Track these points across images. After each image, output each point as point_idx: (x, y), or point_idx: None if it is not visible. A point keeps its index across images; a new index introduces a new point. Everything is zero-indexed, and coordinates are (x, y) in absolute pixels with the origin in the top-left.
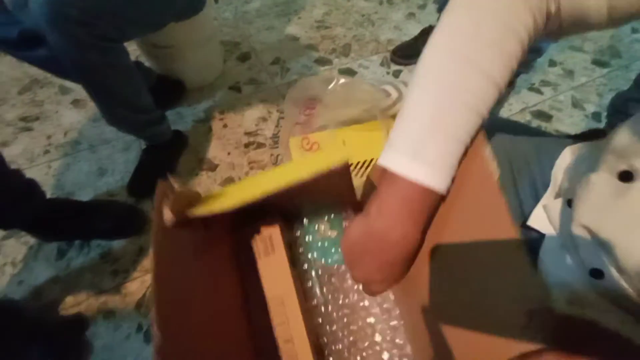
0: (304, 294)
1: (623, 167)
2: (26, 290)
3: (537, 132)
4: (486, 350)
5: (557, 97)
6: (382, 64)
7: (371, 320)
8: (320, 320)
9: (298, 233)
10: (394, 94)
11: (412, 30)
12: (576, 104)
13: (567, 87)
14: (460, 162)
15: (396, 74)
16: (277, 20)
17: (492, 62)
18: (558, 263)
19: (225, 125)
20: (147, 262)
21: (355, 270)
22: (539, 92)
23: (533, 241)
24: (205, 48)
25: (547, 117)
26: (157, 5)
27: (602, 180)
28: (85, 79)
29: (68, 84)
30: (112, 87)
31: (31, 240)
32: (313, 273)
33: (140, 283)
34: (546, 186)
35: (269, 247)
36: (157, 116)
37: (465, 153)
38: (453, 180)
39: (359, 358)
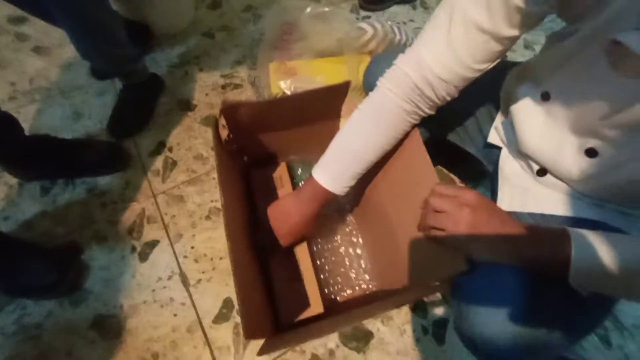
0: None
1: (544, 88)
2: (15, 224)
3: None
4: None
5: None
6: (351, 11)
7: (342, 248)
8: (317, 248)
9: (294, 179)
10: (370, 31)
11: None
12: (527, 46)
13: None
14: (355, 179)
15: None
16: None
17: (366, 148)
18: (513, 168)
19: (201, 69)
20: (135, 194)
21: (276, 226)
22: None
23: (494, 154)
24: None
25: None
26: None
27: (527, 106)
28: (60, 5)
29: (25, 29)
30: (88, 14)
31: (11, 180)
32: None
33: (130, 212)
34: (498, 108)
35: (279, 183)
36: (134, 53)
37: (357, 175)
38: (350, 188)
39: (339, 279)
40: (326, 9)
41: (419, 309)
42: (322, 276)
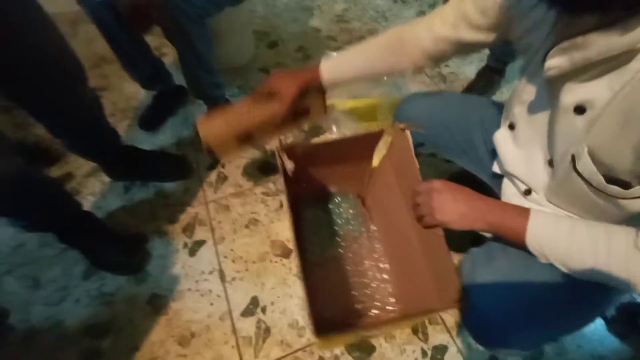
0: None
1: (510, 120)
2: (103, 213)
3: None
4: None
5: None
6: None
7: (370, 273)
8: (349, 268)
9: (331, 206)
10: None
11: None
12: None
13: None
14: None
15: None
16: (302, 14)
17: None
18: (512, 191)
19: None
20: (191, 200)
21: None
22: None
23: (499, 182)
24: (240, 35)
25: None
26: None
27: (502, 135)
28: (185, 46)
29: None
30: (201, 52)
31: (105, 179)
32: (339, 240)
33: (186, 214)
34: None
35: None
36: (221, 80)
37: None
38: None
39: (366, 300)
40: None
41: (421, 332)
42: (353, 293)
